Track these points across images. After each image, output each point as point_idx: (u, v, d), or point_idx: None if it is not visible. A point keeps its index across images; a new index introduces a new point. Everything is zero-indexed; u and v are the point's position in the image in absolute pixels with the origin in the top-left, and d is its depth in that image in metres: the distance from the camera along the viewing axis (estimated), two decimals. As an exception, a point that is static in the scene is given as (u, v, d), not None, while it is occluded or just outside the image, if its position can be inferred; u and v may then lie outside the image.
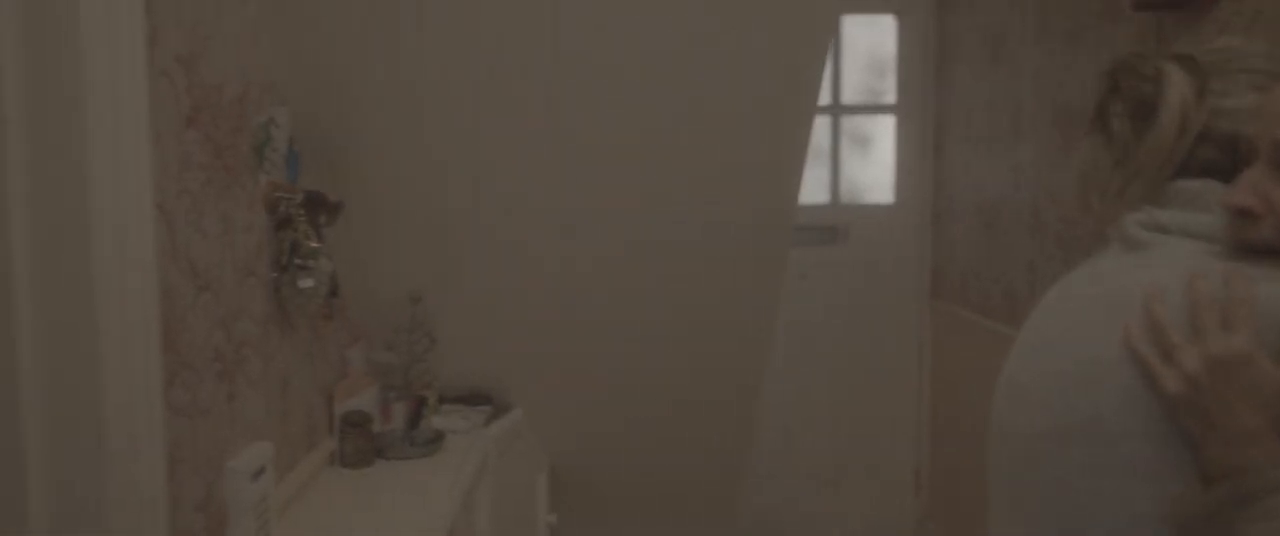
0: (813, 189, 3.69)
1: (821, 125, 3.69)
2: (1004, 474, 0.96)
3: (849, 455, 3.85)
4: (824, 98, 3.62)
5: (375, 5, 1.93)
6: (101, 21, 1.19)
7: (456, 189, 2.19)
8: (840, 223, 3.75)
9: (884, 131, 3.75)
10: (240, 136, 1.68)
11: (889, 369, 3.80)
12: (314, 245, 1.82)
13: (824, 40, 2.07)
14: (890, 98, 3.72)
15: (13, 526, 1.19)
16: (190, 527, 1.48)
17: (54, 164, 1.18)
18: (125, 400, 1.27)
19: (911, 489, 3.85)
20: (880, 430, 3.83)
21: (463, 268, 2.36)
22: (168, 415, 1.39)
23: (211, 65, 1.56)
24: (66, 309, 1.20)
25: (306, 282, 1.80)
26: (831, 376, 3.79)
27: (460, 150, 2.12)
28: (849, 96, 3.72)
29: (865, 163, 3.77)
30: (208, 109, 1.55)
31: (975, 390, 3.12)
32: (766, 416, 3.73)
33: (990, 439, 1.00)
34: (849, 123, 3.75)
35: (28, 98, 1.17)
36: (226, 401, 1.63)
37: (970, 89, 3.31)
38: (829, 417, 3.82)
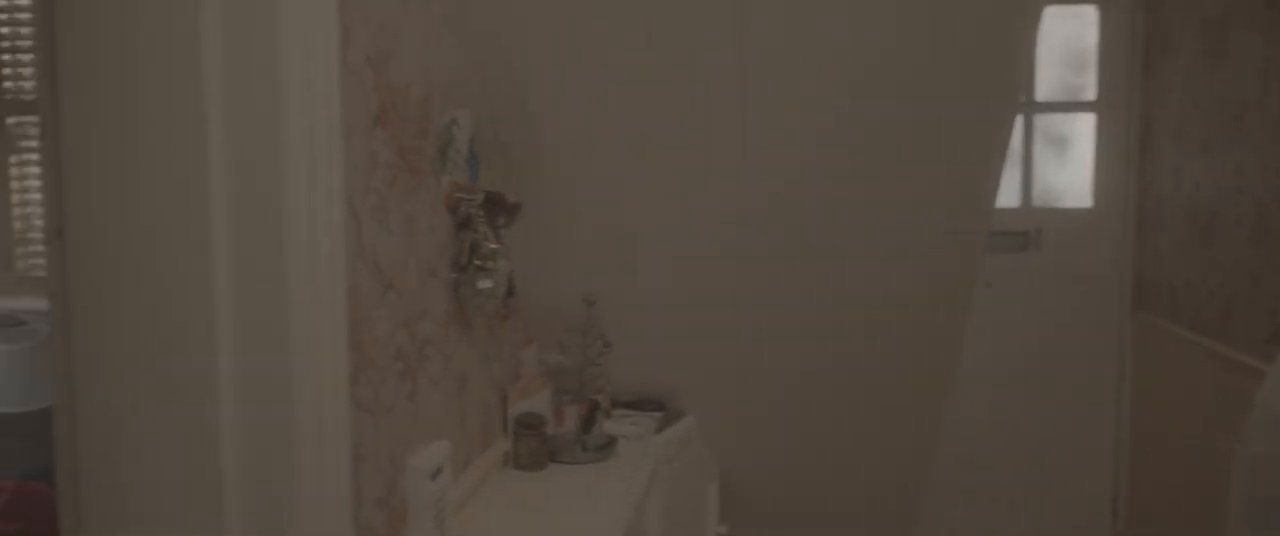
0: (1001, 191, 3.52)
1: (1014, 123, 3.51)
2: (1258, 499, 0.87)
3: (1037, 476, 3.66)
4: (1016, 95, 3.45)
5: (559, 5, 1.94)
6: (298, 21, 1.22)
7: (634, 192, 2.18)
8: (1032, 227, 3.57)
9: (1082, 130, 3.55)
10: (425, 138, 1.71)
11: (1083, 385, 3.59)
12: (493, 246, 1.84)
13: (1027, 34, 1.96)
14: (1090, 94, 3.52)
15: (209, 519, 1.24)
16: (371, 524, 1.51)
17: (251, 163, 1.22)
18: (313, 396, 1.30)
19: (1108, 515, 3.62)
20: (1072, 451, 3.62)
21: (638, 271, 2.35)
22: (353, 412, 1.43)
23: (399, 65, 1.59)
24: (261, 306, 1.24)
25: (485, 283, 1.82)
26: (1019, 391, 3.61)
27: (639, 153, 2.11)
28: (1044, 93, 3.54)
29: (1061, 164, 3.58)
30: (395, 109, 1.58)
31: (1185, 411, 2.90)
32: (948, 431, 3.58)
33: (1239, 467, 0.90)
34: (1043, 121, 3.56)
35: (226, 98, 1.21)
36: (408, 400, 1.66)
37: (1183, 83, 3.08)
38: (1016, 435, 3.64)
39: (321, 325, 1.29)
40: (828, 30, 1.92)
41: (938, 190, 2.13)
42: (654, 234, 2.27)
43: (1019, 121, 3.51)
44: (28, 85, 4.40)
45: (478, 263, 1.82)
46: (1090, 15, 3.48)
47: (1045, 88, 3.52)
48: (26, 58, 4.37)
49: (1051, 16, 3.49)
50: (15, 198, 4.47)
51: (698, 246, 2.28)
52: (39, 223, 4.50)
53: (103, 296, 1.25)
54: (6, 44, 4.37)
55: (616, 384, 2.57)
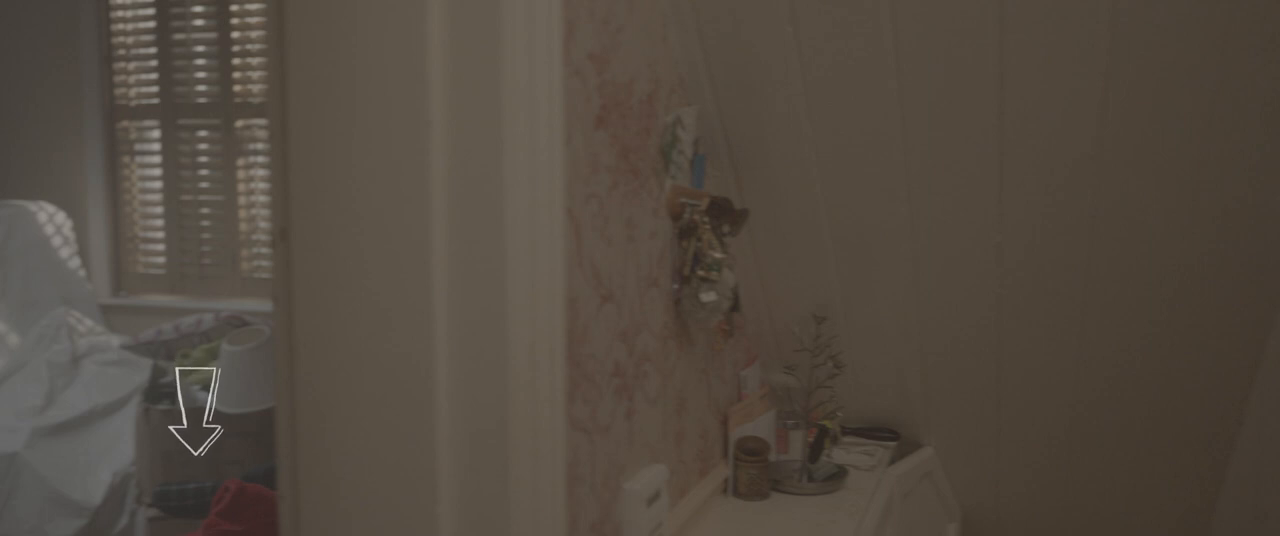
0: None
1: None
2: None
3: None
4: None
5: (790, -8, 1.89)
6: (521, 17, 1.24)
7: (876, 200, 2.11)
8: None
9: None
10: (647, 138, 1.71)
11: None
12: (717, 256, 1.82)
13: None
14: None
15: (422, 531, 1.27)
16: (585, 551, 1.52)
17: (471, 167, 1.24)
18: (530, 413, 1.31)
19: None
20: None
21: (875, 287, 2.28)
22: (568, 430, 1.43)
23: (622, 62, 1.59)
24: (479, 315, 1.26)
25: (708, 296, 1.80)
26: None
27: (884, 156, 2.04)
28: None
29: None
30: (617, 109, 1.58)
31: None
32: (1233, 475, 3.29)
33: None
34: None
35: (449, 99, 1.24)
36: (624, 419, 1.66)
37: None
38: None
39: (539, 337, 1.31)
40: (1097, 22, 1.80)
41: (1231, 214, 1.96)
42: (896, 245, 2.19)
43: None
44: (256, 88, 4.75)
45: (701, 273, 1.80)
46: None
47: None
48: (256, 61, 4.72)
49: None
50: (242, 200, 4.83)
51: (948, 263, 2.18)
52: (264, 225, 4.85)
53: (324, 299, 1.30)
54: (237, 47, 4.73)
55: (848, 409, 2.50)
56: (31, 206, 4.85)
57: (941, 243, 2.16)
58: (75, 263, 4.92)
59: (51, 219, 4.88)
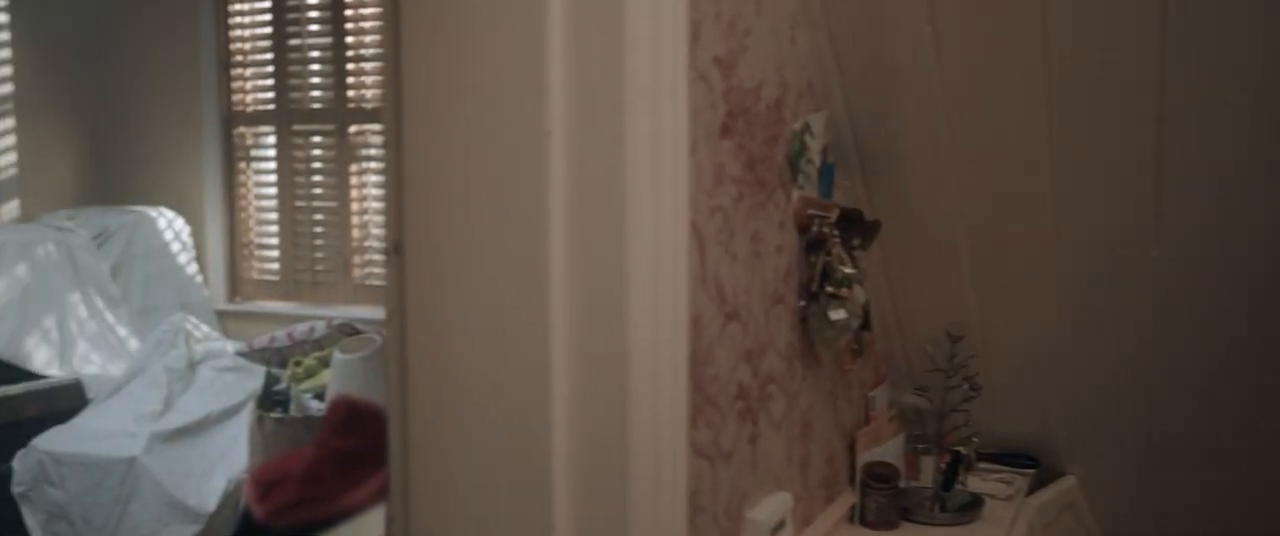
0: None
1: None
2: None
3: None
4: None
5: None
6: (645, 19, 1.20)
7: (1018, 212, 2.02)
8: None
9: None
10: (774, 146, 1.66)
11: None
12: (847, 271, 1.75)
13: None
14: None
15: (537, 563, 1.25)
16: (706, 583, 1.48)
17: (592, 178, 1.21)
18: (650, 437, 1.28)
19: None
20: None
21: (1015, 303, 2.18)
22: (690, 457, 1.39)
23: (749, 66, 1.55)
24: (598, 333, 1.23)
25: (838, 314, 1.74)
26: None
27: (1028, 164, 1.95)
28: None
29: None
30: (743, 116, 1.54)
31: None
32: None
33: None
34: None
35: (569, 106, 1.21)
36: (748, 444, 1.61)
37: None
38: None
39: (662, 358, 1.27)
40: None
41: None
42: (1038, 259, 2.09)
43: None
44: (369, 94, 4.84)
45: (830, 290, 1.74)
46: None
47: None
48: (369, 67, 4.81)
49: None
50: (355, 206, 4.92)
51: (1095, 273, 2.08)
52: (376, 231, 4.93)
53: (437, 315, 1.29)
54: (351, 52, 4.82)
55: (984, 433, 2.40)
56: (152, 212, 5.02)
57: (1090, 256, 2.06)
58: (192, 268, 5.07)
59: (170, 225, 5.05)
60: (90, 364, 4.42)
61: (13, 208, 5.03)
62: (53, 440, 3.94)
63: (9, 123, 5.02)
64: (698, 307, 1.42)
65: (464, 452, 1.29)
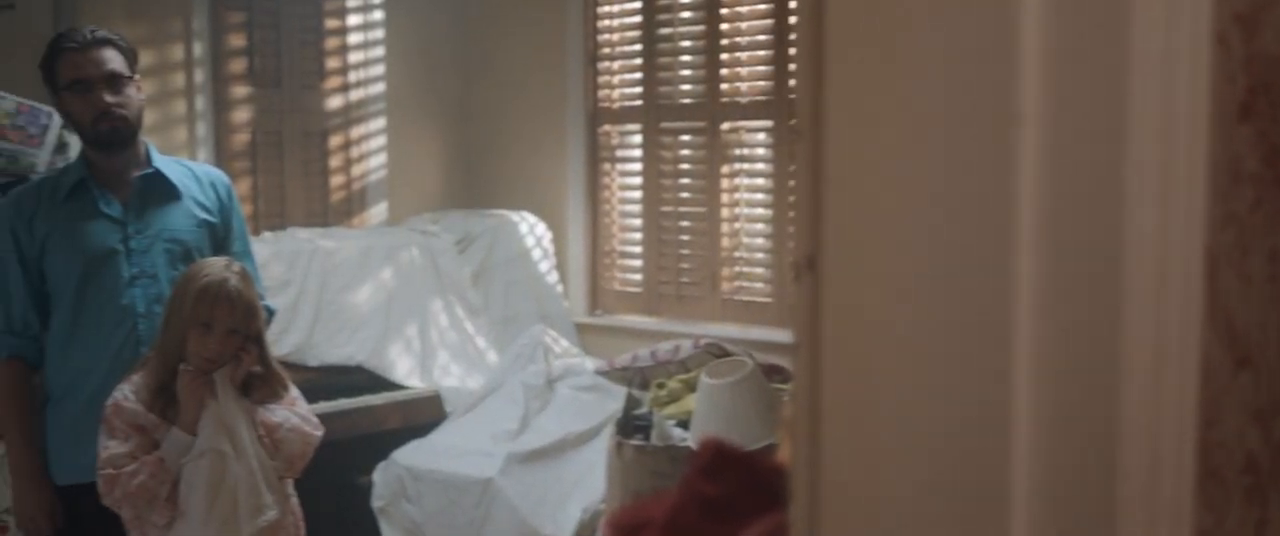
0: None
1: None
2: None
3: None
4: None
5: None
6: (1159, -37, 0.98)
7: None
8: None
9: None
10: (1304, 135, 1.37)
11: None
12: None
13: None
14: None
15: None
16: None
17: (1077, 176, 1.02)
18: (1144, 523, 1.06)
19: None
20: None
21: None
22: (1191, 549, 1.15)
23: (1276, 26, 1.28)
24: (1080, 384, 1.03)
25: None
26: None
27: None
28: None
29: None
30: (1267, 93, 1.27)
31: None
32: None
33: None
34: None
35: (1048, 84, 1.01)
36: (1253, 532, 1.34)
37: None
38: None
39: (1164, 418, 1.04)
40: None
41: None
42: None
43: None
44: (745, 87, 4.78)
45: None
46: None
47: None
48: (745, 57, 4.75)
49: None
50: (725, 211, 4.87)
51: None
52: (748, 240, 4.86)
53: (862, 347, 1.13)
54: (726, 42, 4.78)
55: None
56: (514, 217, 5.21)
57: None
58: (553, 277, 5.22)
59: (532, 230, 5.22)
60: (449, 376, 4.64)
61: (381, 210, 5.39)
62: (412, 455, 4.15)
63: (379, 123, 5.39)
64: (1205, 349, 1.18)
65: (894, 524, 1.12)
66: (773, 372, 3.94)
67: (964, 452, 1.07)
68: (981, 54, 1.02)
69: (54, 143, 4.01)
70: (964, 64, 1.04)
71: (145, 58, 4.10)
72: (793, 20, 4.52)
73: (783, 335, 4.52)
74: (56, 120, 3.64)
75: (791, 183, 4.59)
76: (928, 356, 1.09)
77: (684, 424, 3.71)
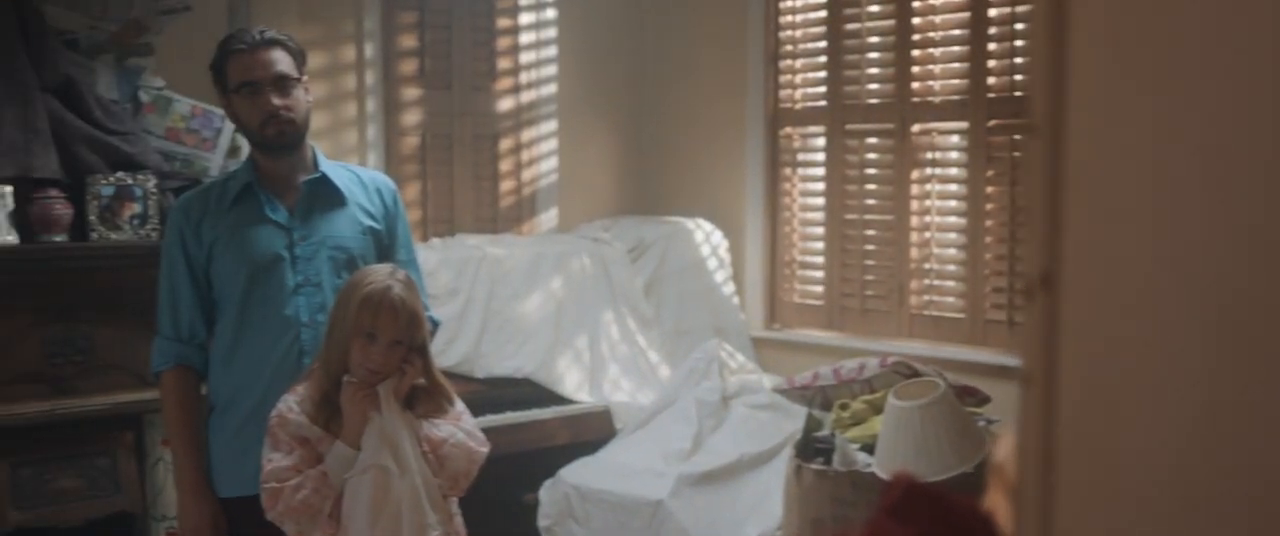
0: None
1: None
2: None
3: None
4: None
5: None
6: None
7: None
8: None
9: None
10: None
11: None
12: None
13: None
14: None
15: None
16: None
17: None
18: None
19: None
20: None
21: None
22: None
23: None
24: None
25: None
26: None
27: None
28: None
29: None
30: None
31: None
32: None
33: None
34: None
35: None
36: None
37: None
38: None
39: None
40: None
41: None
42: None
43: None
44: (938, 86, 4.60)
45: None
46: None
47: None
48: (938, 54, 4.57)
49: None
50: (914, 220, 4.70)
51: None
52: (938, 251, 4.68)
53: (1109, 379, 1.01)
54: (918, 37, 4.61)
55: None
56: (689, 224, 5.14)
57: None
58: (729, 288, 5.12)
59: (707, 238, 5.13)
60: (620, 391, 4.58)
61: (551, 216, 5.38)
62: (580, 473, 4.10)
63: (551, 125, 5.38)
64: None
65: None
66: (966, 394, 3.77)
67: (1234, 513, 0.94)
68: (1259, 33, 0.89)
69: (227, 146, 4.11)
70: (1238, 46, 0.90)
71: (316, 59, 4.16)
72: (992, 11, 4.34)
73: (976, 354, 4.35)
74: (229, 124, 3.72)
75: (989, 189, 4.41)
76: (1192, 396, 0.95)
77: (868, 448, 3.56)
